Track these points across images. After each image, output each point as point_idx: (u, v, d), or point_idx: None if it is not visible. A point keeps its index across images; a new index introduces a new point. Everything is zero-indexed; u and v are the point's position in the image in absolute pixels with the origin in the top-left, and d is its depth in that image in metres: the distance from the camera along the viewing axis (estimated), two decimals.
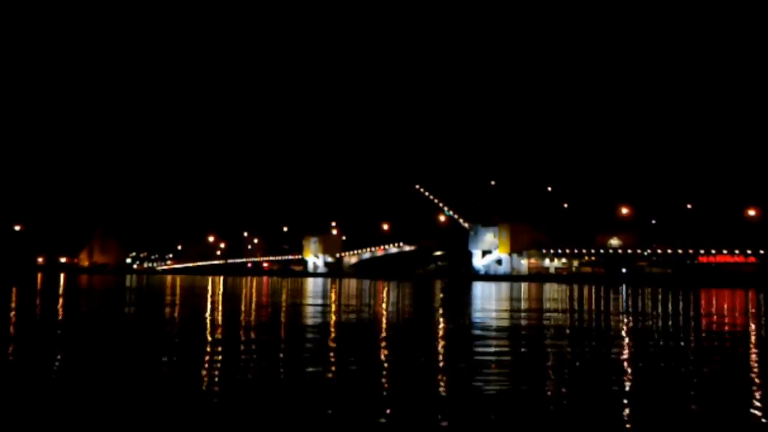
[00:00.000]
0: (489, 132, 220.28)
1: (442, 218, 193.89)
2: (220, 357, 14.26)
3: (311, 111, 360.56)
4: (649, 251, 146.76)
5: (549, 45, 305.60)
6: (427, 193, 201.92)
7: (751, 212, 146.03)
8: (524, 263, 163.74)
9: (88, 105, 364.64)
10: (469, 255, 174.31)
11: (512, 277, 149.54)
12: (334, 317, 24.46)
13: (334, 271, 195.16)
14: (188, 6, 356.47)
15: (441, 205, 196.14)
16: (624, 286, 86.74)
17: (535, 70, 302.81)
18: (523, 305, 36.31)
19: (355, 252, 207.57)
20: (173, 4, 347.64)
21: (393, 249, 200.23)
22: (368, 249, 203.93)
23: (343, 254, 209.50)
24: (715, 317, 28.75)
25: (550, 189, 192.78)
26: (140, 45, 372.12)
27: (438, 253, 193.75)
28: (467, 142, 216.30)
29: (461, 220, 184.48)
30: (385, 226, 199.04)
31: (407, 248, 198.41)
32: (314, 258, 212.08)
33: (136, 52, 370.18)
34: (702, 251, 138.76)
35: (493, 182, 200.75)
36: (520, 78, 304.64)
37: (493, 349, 15.69)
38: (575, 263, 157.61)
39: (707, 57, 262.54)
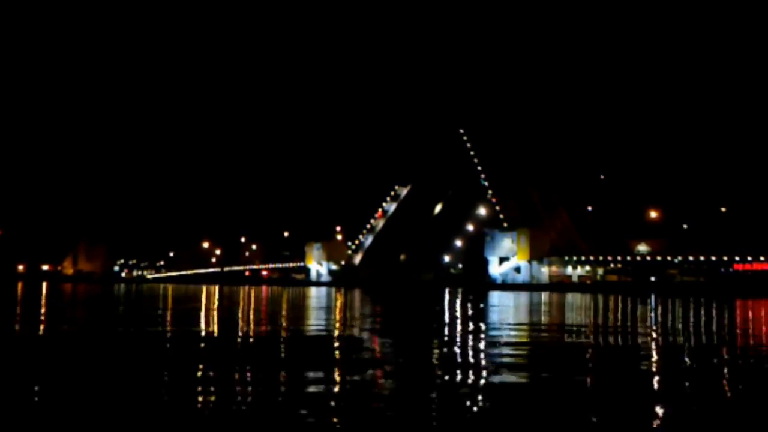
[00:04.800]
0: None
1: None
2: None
3: (312, 108, 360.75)
4: (680, 258, 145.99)
5: (583, 47, 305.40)
6: (468, 144, 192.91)
7: None
8: (545, 271, 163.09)
9: (73, 103, 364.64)
10: (485, 262, 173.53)
11: (531, 286, 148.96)
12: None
13: (339, 280, 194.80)
14: (180, 7, 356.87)
15: (480, 168, 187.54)
16: (653, 297, 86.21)
17: (575, 70, 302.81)
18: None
19: (357, 242, 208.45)
20: (164, 4, 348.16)
21: (392, 206, 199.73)
22: (368, 224, 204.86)
23: (348, 253, 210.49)
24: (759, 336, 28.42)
25: (602, 177, 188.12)
26: (129, 46, 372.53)
27: (439, 208, 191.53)
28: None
29: (492, 195, 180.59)
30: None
31: (404, 191, 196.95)
32: (317, 266, 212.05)
33: (124, 53, 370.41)
34: (737, 258, 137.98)
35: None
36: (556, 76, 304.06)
37: None
38: (600, 271, 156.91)
39: (747, 56, 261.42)
